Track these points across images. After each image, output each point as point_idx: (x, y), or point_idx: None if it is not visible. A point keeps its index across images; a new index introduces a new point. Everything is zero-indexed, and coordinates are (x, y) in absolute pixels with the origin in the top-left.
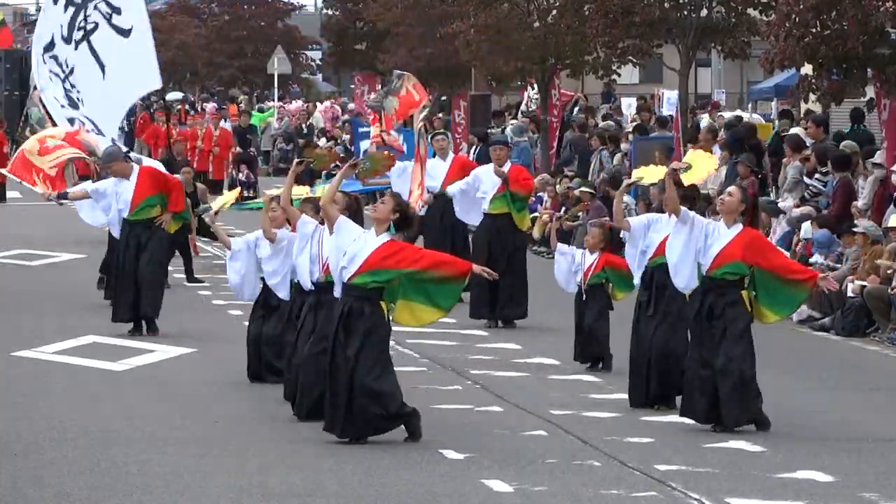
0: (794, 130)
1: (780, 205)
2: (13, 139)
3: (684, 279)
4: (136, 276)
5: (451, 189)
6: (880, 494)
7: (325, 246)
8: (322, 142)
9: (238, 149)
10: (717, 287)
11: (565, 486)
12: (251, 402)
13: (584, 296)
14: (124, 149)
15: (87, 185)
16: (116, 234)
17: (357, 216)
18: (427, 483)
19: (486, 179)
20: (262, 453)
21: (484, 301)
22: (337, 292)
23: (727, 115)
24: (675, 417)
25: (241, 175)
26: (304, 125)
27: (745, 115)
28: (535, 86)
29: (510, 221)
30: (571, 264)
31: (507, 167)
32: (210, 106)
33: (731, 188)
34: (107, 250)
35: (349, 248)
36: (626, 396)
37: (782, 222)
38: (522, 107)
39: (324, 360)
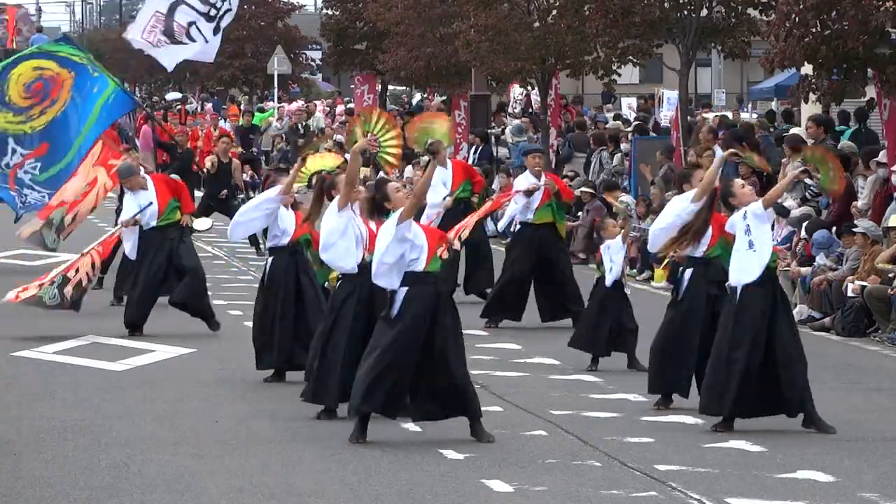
0: (794, 130)
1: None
2: None
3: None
4: (177, 267)
5: (511, 217)
6: (880, 494)
7: (363, 228)
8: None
9: (241, 149)
10: (773, 275)
11: (565, 486)
12: (251, 402)
13: (624, 288)
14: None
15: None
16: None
17: None
18: (427, 483)
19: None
20: (262, 453)
21: (512, 305)
22: (395, 284)
23: (710, 115)
24: (675, 417)
25: (245, 175)
26: (300, 125)
27: (745, 115)
28: (523, 86)
29: (553, 230)
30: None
31: (542, 178)
32: (208, 106)
33: (740, 180)
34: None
35: (416, 239)
36: (626, 396)
37: (783, 222)
38: (509, 108)
39: (414, 349)
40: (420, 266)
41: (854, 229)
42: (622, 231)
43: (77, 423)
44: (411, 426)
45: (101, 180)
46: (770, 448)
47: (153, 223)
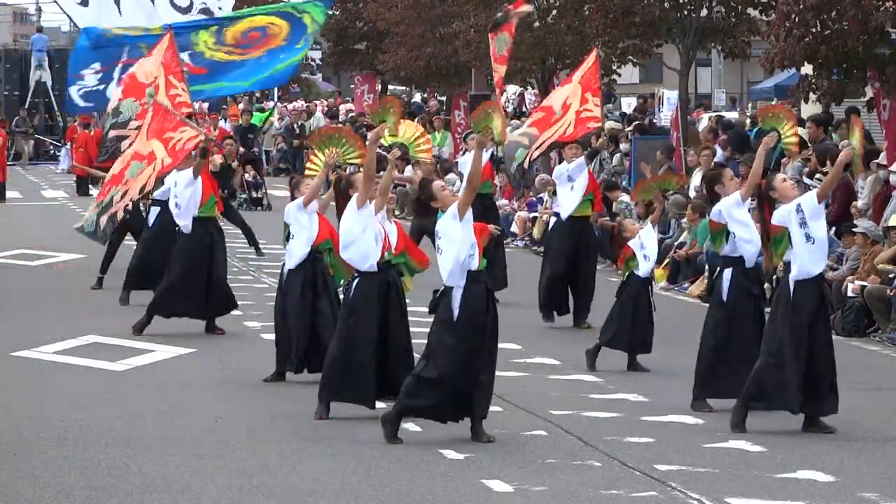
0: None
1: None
2: (13, 139)
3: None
4: (209, 274)
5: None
6: (880, 494)
7: (384, 226)
8: None
9: (242, 149)
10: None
11: (565, 486)
12: (251, 402)
13: (651, 284)
14: None
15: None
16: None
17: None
18: (427, 483)
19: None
20: (262, 453)
21: (558, 299)
22: (459, 281)
23: (711, 115)
24: (674, 417)
25: (247, 175)
26: (296, 125)
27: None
28: (522, 86)
29: (588, 225)
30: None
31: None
32: (204, 106)
33: (781, 174)
34: (107, 251)
35: (469, 237)
36: (626, 396)
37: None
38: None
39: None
40: (475, 264)
41: (854, 229)
42: (652, 216)
43: (77, 423)
44: (411, 426)
45: (158, 156)
46: (770, 448)
47: (195, 212)
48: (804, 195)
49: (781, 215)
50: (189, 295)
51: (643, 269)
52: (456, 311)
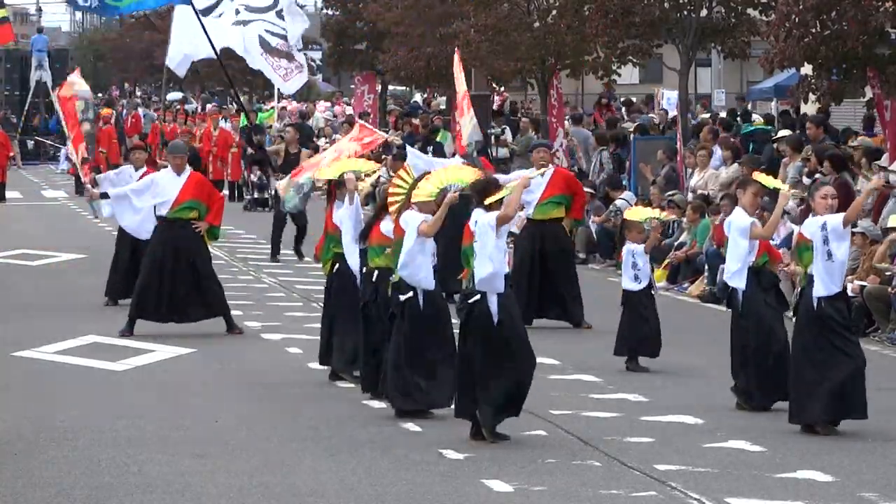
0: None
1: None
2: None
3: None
4: (174, 277)
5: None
6: (880, 494)
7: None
8: (321, 141)
9: (249, 150)
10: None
11: (565, 486)
12: (251, 402)
13: (653, 290)
14: None
15: (119, 188)
16: (146, 235)
17: None
18: (427, 483)
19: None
20: (262, 453)
21: (533, 307)
22: (495, 288)
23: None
24: (675, 417)
25: (252, 176)
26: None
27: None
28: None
29: (556, 226)
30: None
31: (549, 171)
32: (210, 106)
33: (828, 188)
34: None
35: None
36: (626, 396)
37: (786, 222)
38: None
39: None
40: (506, 268)
41: (853, 229)
42: (647, 242)
43: (77, 423)
44: (411, 426)
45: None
46: (770, 448)
47: (164, 210)
48: (832, 216)
49: (810, 227)
50: (160, 298)
51: (628, 286)
52: (496, 317)
